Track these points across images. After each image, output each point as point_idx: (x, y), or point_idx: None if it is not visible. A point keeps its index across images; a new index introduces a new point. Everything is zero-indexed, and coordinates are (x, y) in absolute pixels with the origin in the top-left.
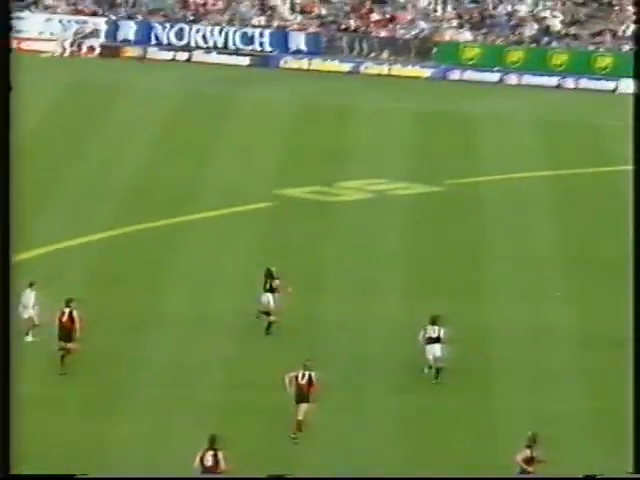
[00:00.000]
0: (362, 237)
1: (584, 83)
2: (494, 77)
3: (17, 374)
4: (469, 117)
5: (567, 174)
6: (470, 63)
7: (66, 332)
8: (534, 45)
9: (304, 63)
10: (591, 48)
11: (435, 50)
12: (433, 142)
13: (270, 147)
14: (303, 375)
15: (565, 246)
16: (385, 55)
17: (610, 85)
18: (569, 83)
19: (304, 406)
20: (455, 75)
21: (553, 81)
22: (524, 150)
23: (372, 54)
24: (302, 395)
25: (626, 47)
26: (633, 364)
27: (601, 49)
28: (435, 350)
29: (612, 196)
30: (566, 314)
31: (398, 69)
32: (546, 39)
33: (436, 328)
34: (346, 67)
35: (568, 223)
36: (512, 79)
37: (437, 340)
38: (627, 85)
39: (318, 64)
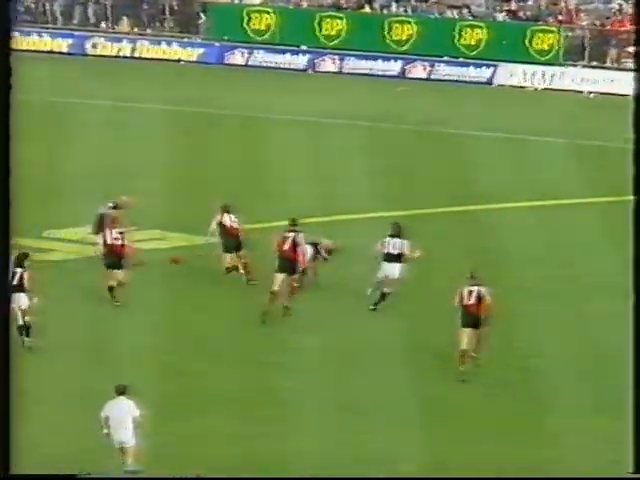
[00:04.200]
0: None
1: (442, 70)
2: (299, 60)
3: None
4: (259, 126)
5: (420, 214)
6: (262, 38)
7: (115, 258)
8: (363, 11)
9: None
10: (452, 15)
11: (205, 18)
12: (206, 164)
13: None
14: (470, 292)
15: None
16: (125, 26)
17: (483, 73)
18: (419, 70)
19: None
20: (238, 57)
21: (394, 66)
22: (352, 182)
23: (103, 24)
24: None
25: (501, 15)
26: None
27: (468, 17)
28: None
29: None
30: None
31: (146, 47)
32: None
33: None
34: (62, 44)
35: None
36: (328, 63)
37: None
38: (507, 73)
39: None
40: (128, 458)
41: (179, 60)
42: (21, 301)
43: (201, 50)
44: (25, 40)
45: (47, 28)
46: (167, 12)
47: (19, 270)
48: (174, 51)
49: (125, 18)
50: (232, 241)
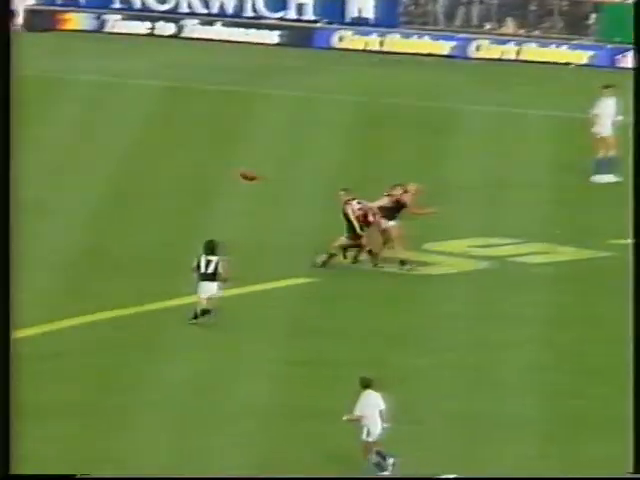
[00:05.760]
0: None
1: None
2: None
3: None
4: None
5: None
6: None
7: None
8: None
9: (372, 40)
10: None
11: (596, 18)
12: (587, 178)
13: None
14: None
15: None
16: (510, 27)
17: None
18: None
19: None
20: (629, 59)
21: None
22: None
23: (487, 26)
24: None
25: None
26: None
27: None
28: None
29: None
30: None
31: (533, 50)
32: None
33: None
34: (443, 47)
35: None
36: None
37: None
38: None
39: (394, 42)
40: (369, 453)
41: (567, 63)
42: (211, 290)
43: (591, 53)
44: (405, 42)
45: (427, 30)
46: (556, 12)
47: (214, 258)
48: (564, 53)
49: (511, 19)
50: None
